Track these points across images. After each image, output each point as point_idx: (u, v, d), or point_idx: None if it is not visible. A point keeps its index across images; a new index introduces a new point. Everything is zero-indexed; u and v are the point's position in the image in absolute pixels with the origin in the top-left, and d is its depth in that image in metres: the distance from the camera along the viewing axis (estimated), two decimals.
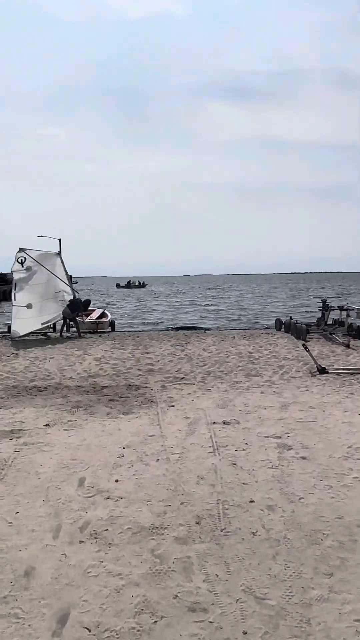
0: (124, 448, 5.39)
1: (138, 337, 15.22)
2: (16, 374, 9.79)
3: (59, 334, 15.79)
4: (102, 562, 3.29)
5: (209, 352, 11.88)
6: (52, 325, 17.01)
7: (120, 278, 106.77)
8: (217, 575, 3.13)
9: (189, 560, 3.29)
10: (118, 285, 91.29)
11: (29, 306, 15.02)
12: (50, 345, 13.57)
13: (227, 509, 3.98)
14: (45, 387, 8.54)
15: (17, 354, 12.26)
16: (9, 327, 17.26)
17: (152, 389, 8.28)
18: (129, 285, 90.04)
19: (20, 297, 15.08)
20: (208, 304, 38.41)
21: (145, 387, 8.45)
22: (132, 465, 4.89)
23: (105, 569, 3.21)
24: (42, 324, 15.52)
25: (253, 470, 4.75)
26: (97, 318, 17.50)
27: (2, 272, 54.84)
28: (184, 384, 8.64)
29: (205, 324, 22.05)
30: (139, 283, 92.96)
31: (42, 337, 15.50)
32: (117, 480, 4.53)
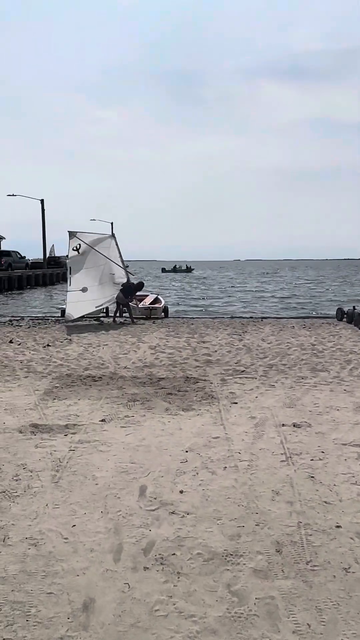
0: (186, 451, 4.92)
1: (192, 324, 14.76)
2: (70, 361, 9.51)
3: (112, 319, 15.53)
4: (171, 597, 2.83)
5: (268, 343, 11.27)
6: (104, 310, 16.81)
7: (168, 262, 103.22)
8: (309, 626, 2.62)
9: (273, 602, 2.79)
10: (163, 270, 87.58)
11: (84, 289, 14.81)
12: (103, 332, 13.30)
13: (311, 534, 3.45)
14: (100, 377, 8.20)
15: (70, 339, 12.04)
16: (63, 312, 17.20)
17: (211, 383, 7.79)
18: (175, 269, 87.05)
19: (75, 281, 14.89)
20: (260, 290, 37.50)
21: (204, 380, 7.96)
22: (197, 473, 4.42)
23: (176, 608, 2.75)
24: (96, 307, 15.32)
25: (334, 485, 4.19)
26: (150, 303, 17.14)
27: (57, 255, 55.68)
28: (245, 377, 8.10)
29: (259, 311, 21.35)
30: (186, 267, 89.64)
31: (95, 323, 15.29)
32: (181, 492, 4.07)
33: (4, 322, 15.56)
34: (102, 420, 5.92)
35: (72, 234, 14.93)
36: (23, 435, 5.43)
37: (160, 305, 17.02)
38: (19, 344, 11.34)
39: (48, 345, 11.17)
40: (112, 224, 16.84)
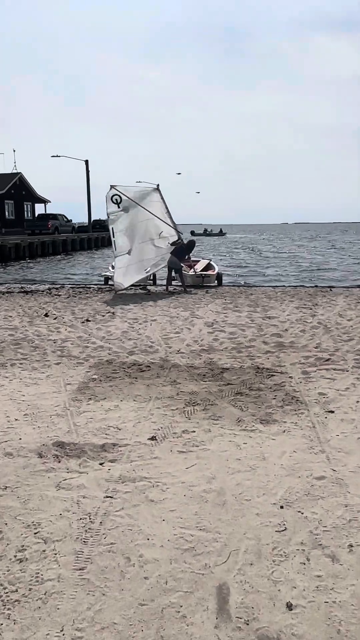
0: (281, 507, 3.22)
1: (252, 294, 12.90)
2: (112, 341, 7.92)
3: (165, 288, 13.85)
4: None
5: (348, 320, 9.33)
6: (151, 277, 15.19)
7: (213, 226, 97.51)
8: None
9: None
10: (192, 233, 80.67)
11: (129, 252, 13.19)
12: (151, 303, 11.65)
13: None
14: (148, 366, 6.56)
15: (113, 312, 10.45)
16: (106, 280, 15.67)
17: (290, 377, 6.02)
18: (205, 233, 79.56)
19: (120, 243, 13.24)
20: (310, 256, 34.86)
21: (281, 372, 6.20)
22: (308, 560, 2.72)
23: None
24: (146, 271, 13.73)
25: None
26: (202, 270, 15.32)
27: (102, 218, 54.24)
28: (334, 370, 6.28)
29: (311, 280, 19.19)
30: (220, 231, 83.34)
31: (142, 292, 13.65)
32: (289, 606, 2.39)
33: (42, 291, 14.14)
34: (152, 438, 4.28)
35: (112, 187, 13.18)
36: (42, 463, 3.86)
37: (214, 272, 15.16)
38: (54, 318, 9.84)
39: (87, 320, 9.61)
40: (157, 185, 15.40)
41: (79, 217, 54.20)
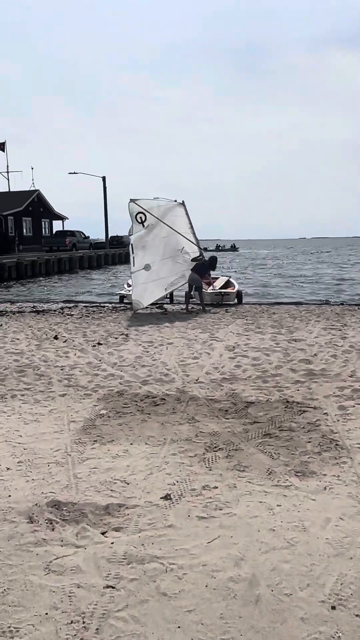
0: (333, 608, 2.47)
1: (274, 313, 12.15)
2: (124, 368, 7.23)
3: (183, 307, 13.16)
4: None
5: None
6: (168, 296, 14.55)
7: (232, 242, 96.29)
8: None
9: None
10: (205, 249, 77.63)
11: (146, 267, 12.55)
12: (167, 324, 10.96)
13: None
14: (163, 399, 5.85)
15: (127, 334, 9.78)
16: (121, 298, 15.09)
17: (325, 413, 5.26)
18: (217, 248, 76.15)
19: (139, 260, 12.63)
20: (332, 271, 33.93)
21: (314, 407, 5.44)
22: None
23: None
24: (166, 289, 13.12)
25: None
26: (221, 287, 14.62)
27: (119, 234, 54.01)
28: None
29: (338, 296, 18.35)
30: (232, 246, 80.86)
31: (159, 311, 12.99)
32: None
33: (55, 311, 13.55)
34: (166, 497, 3.56)
35: (133, 202, 12.59)
36: (32, 532, 3.16)
37: (234, 290, 14.45)
38: (64, 341, 9.21)
39: (99, 343, 8.95)
40: (183, 202, 15.12)
41: (96, 233, 54.08)
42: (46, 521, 3.29)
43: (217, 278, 15.68)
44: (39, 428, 4.98)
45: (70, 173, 45.81)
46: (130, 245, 12.71)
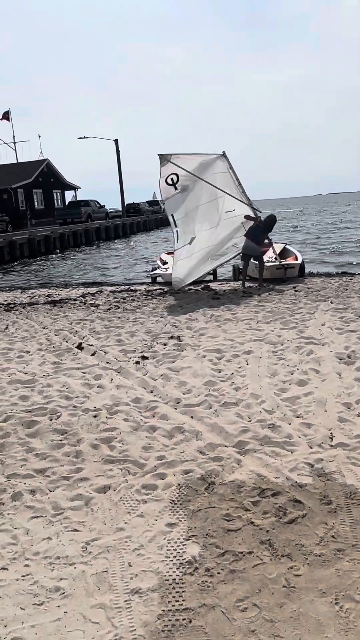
0: None
1: (346, 289, 9.25)
2: (195, 412, 4.43)
3: (240, 284, 10.47)
4: None
5: None
6: (211, 272, 11.80)
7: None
8: None
9: None
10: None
11: (191, 241, 9.83)
12: (227, 313, 8.11)
13: None
14: (295, 502, 3.05)
15: (179, 337, 6.96)
16: (154, 279, 12.33)
17: None
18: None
19: (184, 233, 9.91)
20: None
21: None
22: None
23: None
24: (213, 262, 10.61)
25: None
26: (281, 257, 11.58)
27: (135, 202, 50.71)
28: None
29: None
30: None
31: (205, 292, 10.19)
32: None
33: (75, 300, 10.75)
34: None
35: (163, 158, 9.64)
36: None
37: (298, 261, 11.38)
38: (92, 354, 6.45)
39: (143, 357, 6.14)
40: (224, 152, 12.57)
41: (110, 202, 50.93)
42: None
43: (269, 244, 12.61)
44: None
45: (80, 138, 42.47)
46: (170, 217, 9.88)
